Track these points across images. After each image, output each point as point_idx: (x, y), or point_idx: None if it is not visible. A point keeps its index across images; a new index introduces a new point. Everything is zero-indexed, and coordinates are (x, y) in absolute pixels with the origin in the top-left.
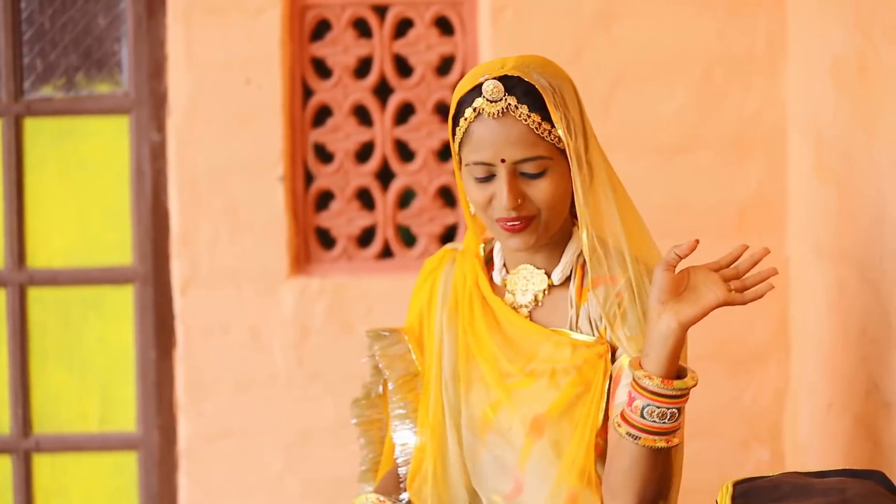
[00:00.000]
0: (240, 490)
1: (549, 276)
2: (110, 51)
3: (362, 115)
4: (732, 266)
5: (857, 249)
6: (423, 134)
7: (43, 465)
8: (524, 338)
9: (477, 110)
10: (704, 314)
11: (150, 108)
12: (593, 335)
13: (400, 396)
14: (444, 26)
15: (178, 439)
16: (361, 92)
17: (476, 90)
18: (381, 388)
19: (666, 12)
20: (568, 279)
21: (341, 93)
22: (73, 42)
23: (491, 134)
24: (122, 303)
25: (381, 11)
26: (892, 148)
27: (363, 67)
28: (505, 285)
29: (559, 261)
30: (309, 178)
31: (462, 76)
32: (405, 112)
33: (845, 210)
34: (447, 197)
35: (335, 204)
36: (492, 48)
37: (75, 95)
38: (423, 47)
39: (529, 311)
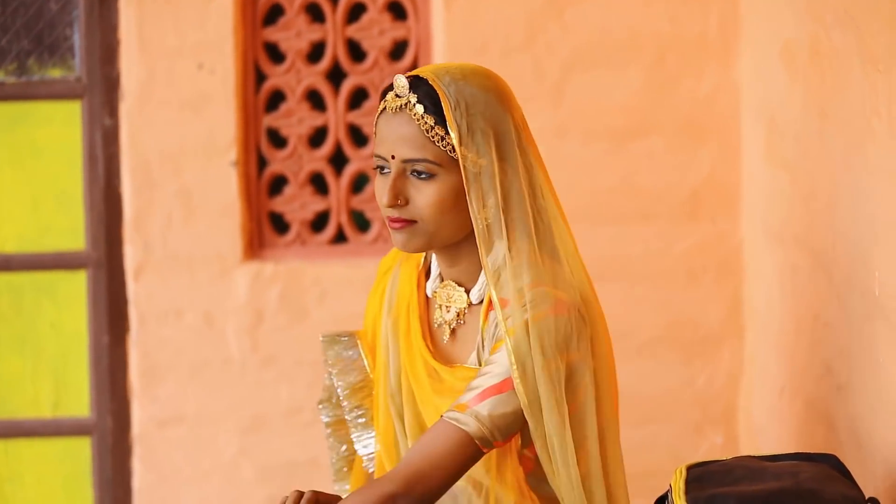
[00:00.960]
0: (194, 475)
1: (468, 294)
2: (62, 35)
3: (315, 99)
4: None
5: (810, 233)
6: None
7: None
8: (439, 370)
9: (384, 103)
10: None
11: (103, 93)
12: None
13: (353, 404)
14: (396, 11)
15: (131, 424)
16: (314, 76)
17: (391, 85)
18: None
19: None
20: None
21: (294, 77)
22: (24, 27)
23: (388, 128)
24: (75, 288)
25: None
26: (844, 132)
27: (316, 52)
28: (435, 298)
29: (477, 279)
30: (262, 162)
31: (415, 61)
32: (358, 97)
33: (798, 194)
34: None
35: (288, 189)
36: (445, 33)
37: (27, 80)
38: (375, 32)
39: (453, 329)
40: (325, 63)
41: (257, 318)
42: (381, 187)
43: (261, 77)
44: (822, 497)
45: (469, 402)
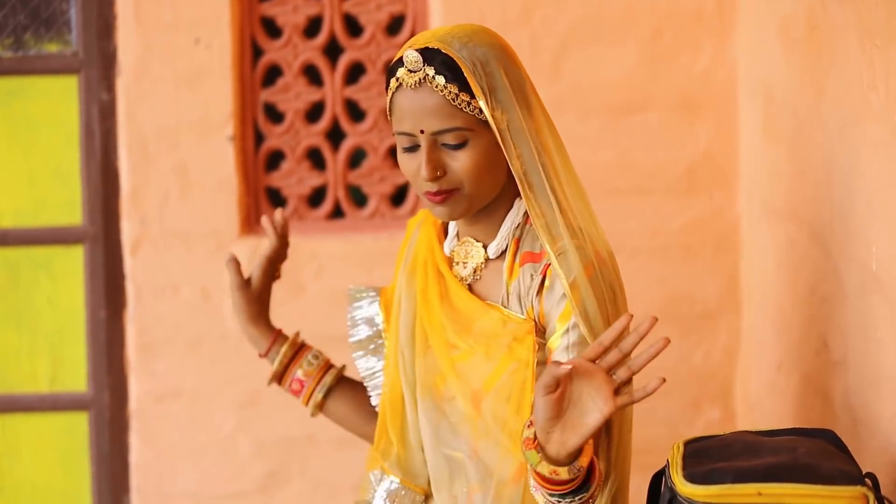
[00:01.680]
0: (191, 450)
1: (485, 249)
2: (59, 10)
3: (312, 74)
4: (617, 349)
5: (807, 208)
6: (374, 93)
7: None
8: (466, 309)
9: (399, 80)
10: (591, 437)
11: (100, 67)
12: (522, 313)
13: (367, 360)
14: None
15: (128, 399)
16: (311, 51)
17: (400, 60)
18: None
19: None
20: (504, 252)
21: (291, 52)
22: (21, 1)
23: (410, 104)
24: (72, 263)
25: None
26: (840, 107)
27: (313, 27)
28: (452, 256)
29: (496, 234)
30: (259, 137)
31: (412, 35)
32: (355, 71)
33: (795, 169)
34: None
35: (285, 164)
36: (442, 7)
37: (24, 55)
38: (372, 6)
39: (469, 285)
40: (322, 38)
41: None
42: (411, 164)
43: (257, 52)
44: (819, 472)
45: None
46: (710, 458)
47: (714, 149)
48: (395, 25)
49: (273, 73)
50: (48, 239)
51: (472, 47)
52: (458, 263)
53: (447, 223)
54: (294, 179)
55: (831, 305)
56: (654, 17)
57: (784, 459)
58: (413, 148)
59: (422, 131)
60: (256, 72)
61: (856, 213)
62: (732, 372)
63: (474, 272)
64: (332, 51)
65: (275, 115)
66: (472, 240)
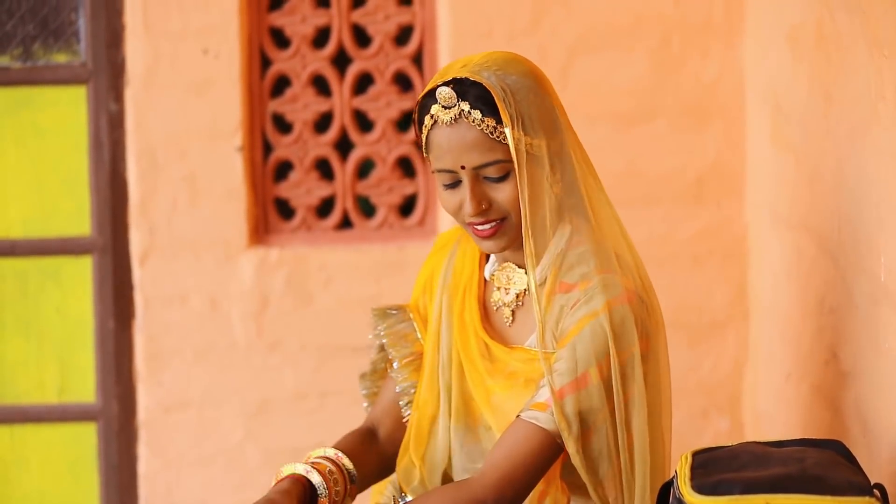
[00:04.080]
0: (199, 460)
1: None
2: (67, 20)
3: (321, 85)
4: None
5: (815, 218)
6: (382, 104)
7: (2, 435)
8: (495, 350)
9: (433, 117)
10: None
11: (108, 77)
12: (554, 342)
13: (405, 376)
14: None
15: (137, 409)
16: (320, 62)
17: (432, 95)
18: (385, 365)
19: None
20: (546, 280)
21: (299, 63)
22: (29, 11)
23: (448, 141)
24: (81, 273)
25: None
26: (849, 116)
27: (321, 37)
28: (493, 281)
29: (540, 261)
30: (267, 148)
31: (420, 46)
32: (363, 82)
33: (803, 178)
34: (406, 167)
35: (294, 174)
36: (450, 17)
37: (32, 65)
38: (381, 17)
39: (513, 310)
40: (330, 48)
41: (263, 304)
42: (453, 199)
43: (266, 62)
44: (828, 483)
45: (548, 401)
46: (718, 468)
47: (722, 158)
48: (403, 36)
49: (281, 84)
50: (57, 249)
51: (502, 76)
52: (499, 289)
53: None
54: (302, 190)
55: (840, 315)
56: (663, 26)
57: (792, 470)
58: (455, 184)
59: (463, 167)
60: (265, 82)
61: (865, 223)
62: (741, 382)
63: (517, 298)
64: (341, 61)
65: (283, 125)
66: (514, 266)
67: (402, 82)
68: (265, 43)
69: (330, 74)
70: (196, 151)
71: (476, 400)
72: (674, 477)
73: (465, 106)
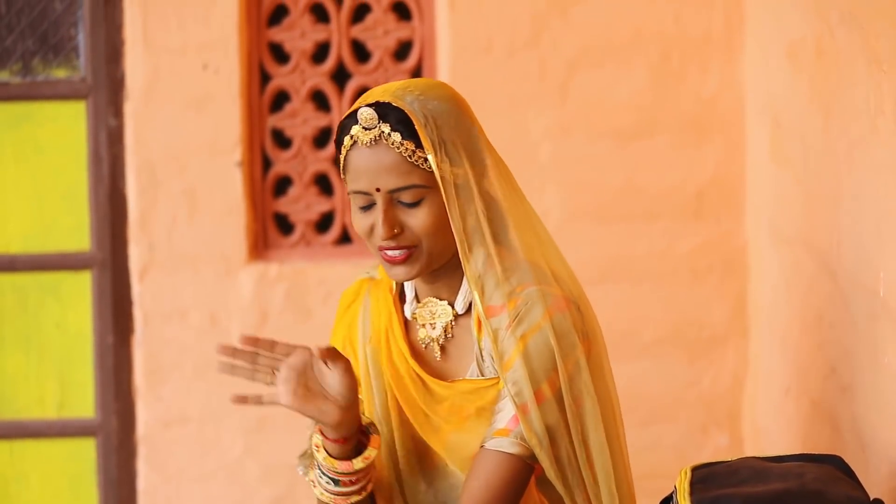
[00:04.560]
0: (199, 475)
1: (452, 306)
2: (67, 35)
3: (320, 100)
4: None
5: (814, 233)
6: None
7: (1, 451)
8: (433, 386)
9: (353, 138)
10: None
11: (107, 92)
12: (494, 368)
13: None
14: (401, 11)
15: (136, 425)
16: (319, 77)
17: (353, 116)
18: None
19: None
20: (471, 307)
21: (299, 78)
22: (29, 27)
23: (366, 162)
24: (80, 288)
25: None
26: (848, 131)
27: (321, 52)
28: (416, 319)
29: (460, 289)
30: (267, 163)
31: (420, 61)
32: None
33: (803, 193)
34: None
35: (293, 189)
36: (450, 33)
37: (32, 80)
38: (380, 32)
39: (442, 345)
40: (329, 63)
41: (262, 319)
42: (365, 222)
43: (265, 77)
44: (827, 498)
45: (508, 426)
46: (717, 484)
47: (722, 173)
48: (402, 51)
49: (281, 99)
50: (56, 264)
51: (424, 101)
52: (424, 326)
53: (402, 288)
54: (302, 205)
55: (839, 331)
56: (662, 41)
57: (792, 485)
58: (369, 207)
59: (378, 189)
60: (264, 97)
61: (864, 238)
62: (740, 397)
63: (444, 332)
64: (340, 76)
65: (282, 140)
66: (435, 299)
67: None
68: (265, 58)
69: (329, 90)
70: (195, 166)
71: (427, 441)
72: (673, 492)
73: (386, 128)
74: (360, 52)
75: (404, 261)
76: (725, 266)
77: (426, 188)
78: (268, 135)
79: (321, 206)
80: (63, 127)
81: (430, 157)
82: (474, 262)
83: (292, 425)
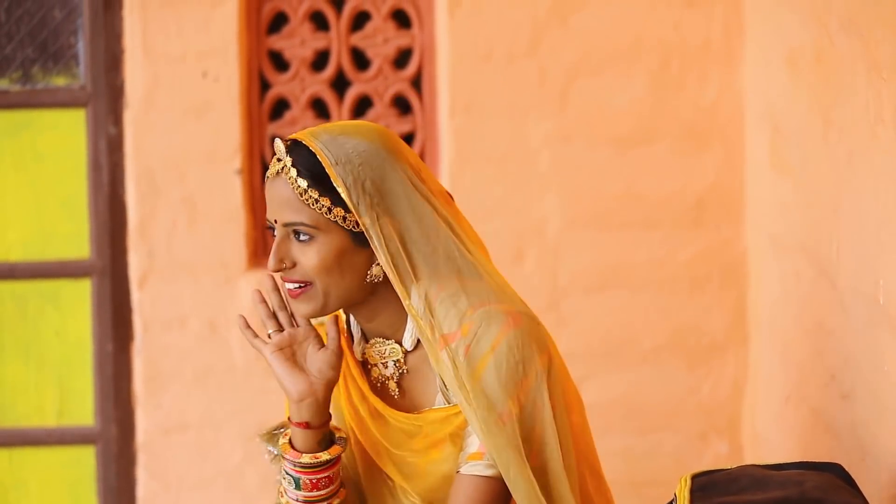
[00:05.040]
0: (199, 483)
1: (400, 344)
2: (66, 43)
3: (320, 107)
4: None
5: (814, 241)
6: None
7: (0, 459)
8: (396, 422)
9: (268, 167)
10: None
11: (107, 100)
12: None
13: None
14: (401, 19)
15: (136, 432)
16: (319, 85)
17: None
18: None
19: (622, 3)
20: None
21: (299, 86)
22: (29, 35)
23: (270, 192)
24: (80, 296)
25: (338, 4)
26: (848, 139)
27: (320, 60)
28: (368, 359)
29: (404, 326)
30: (266, 171)
31: (419, 69)
32: (363, 105)
33: (802, 201)
34: None
35: None
36: (449, 40)
37: (31, 88)
38: (380, 40)
39: (398, 381)
40: (329, 71)
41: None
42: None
43: (265, 85)
44: None
45: (481, 449)
46: (717, 492)
47: (721, 180)
48: (402, 59)
49: (280, 107)
50: (55, 272)
51: (341, 140)
52: (375, 365)
53: (350, 328)
54: None
55: (839, 338)
56: (662, 49)
57: (792, 493)
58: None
59: (276, 220)
60: (264, 105)
61: (863, 246)
62: (740, 405)
63: (397, 368)
64: (340, 84)
65: None
66: (381, 340)
67: (401, 105)
68: (264, 66)
69: (329, 97)
70: (195, 174)
71: (390, 475)
72: (673, 500)
73: (288, 161)
74: (360, 60)
75: (297, 296)
76: (725, 273)
77: (314, 228)
78: (267, 143)
79: None
80: (63, 135)
81: (345, 197)
82: (415, 299)
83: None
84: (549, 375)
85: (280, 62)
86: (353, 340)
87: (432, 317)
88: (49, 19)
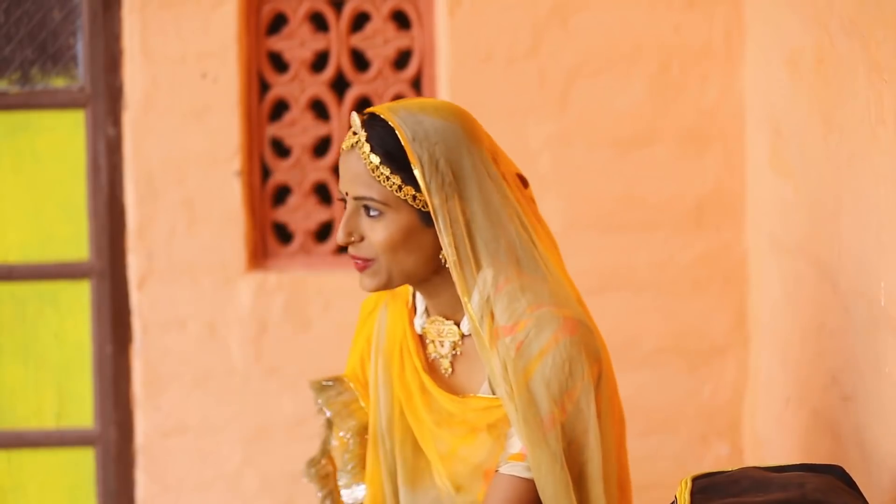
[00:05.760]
0: (198, 485)
1: (458, 326)
2: (66, 45)
3: (319, 109)
4: None
5: (815, 243)
6: None
7: None
8: (443, 401)
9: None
10: None
11: (106, 102)
12: (504, 387)
13: (354, 452)
14: (401, 20)
15: (135, 435)
16: (318, 86)
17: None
18: (334, 441)
19: (622, 5)
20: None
21: (298, 87)
22: (28, 36)
23: (343, 166)
24: (79, 298)
25: (337, 5)
26: (848, 141)
27: (320, 61)
28: (426, 335)
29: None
30: (266, 172)
31: (419, 70)
32: (362, 106)
33: (803, 203)
34: None
35: (292, 198)
36: (449, 42)
37: (30, 89)
38: (380, 41)
39: (451, 362)
40: (328, 72)
41: (261, 328)
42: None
43: (264, 86)
44: None
45: (523, 450)
46: (718, 494)
47: (722, 182)
48: (402, 60)
49: (280, 108)
50: (54, 274)
51: (420, 118)
52: (432, 342)
53: (414, 301)
54: (301, 214)
55: (840, 340)
56: (662, 51)
57: (793, 496)
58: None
59: (347, 193)
60: (263, 106)
61: (864, 248)
62: (740, 407)
63: (453, 348)
64: (339, 85)
65: (282, 149)
66: (441, 319)
67: None
68: (264, 67)
69: (329, 98)
70: (194, 176)
71: (427, 458)
72: (673, 502)
73: (363, 136)
74: (360, 61)
75: (361, 270)
76: (726, 276)
77: (384, 205)
78: (267, 144)
79: (320, 215)
80: (62, 136)
81: (418, 176)
82: (476, 287)
83: (291, 436)
84: (597, 386)
85: (280, 63)
86: (415, 313)
87: (489, 307)
88: (48, 20)
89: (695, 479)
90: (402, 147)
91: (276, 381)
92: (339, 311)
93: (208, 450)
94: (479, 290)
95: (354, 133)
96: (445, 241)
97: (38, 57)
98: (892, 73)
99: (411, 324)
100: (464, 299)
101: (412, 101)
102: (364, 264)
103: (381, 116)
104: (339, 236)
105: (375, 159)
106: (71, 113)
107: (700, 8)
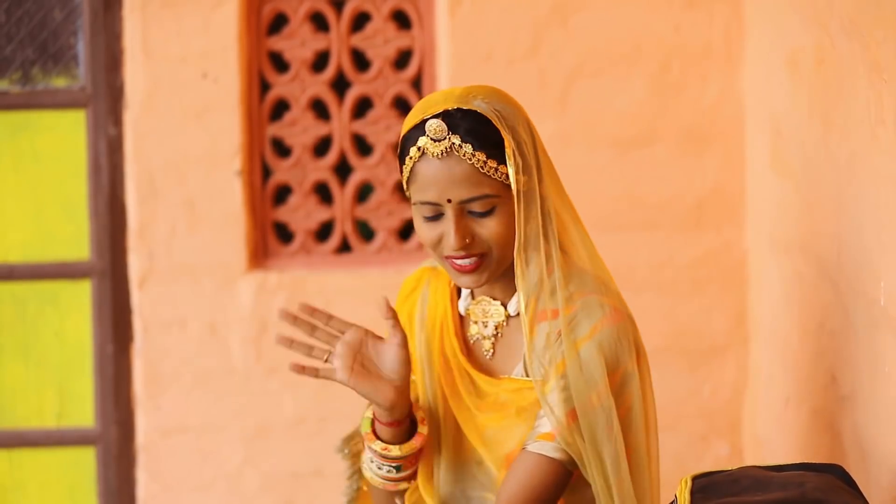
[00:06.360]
0: (198, 484)
1: (505, 307)
2: (66, 44)
3: (320, 109)
4: None
5: (815, 242)
6: (381, 128)
7: (0, 460)
8: (480, 382)
9: (421, 149)
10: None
11: (107, 101)
12: (541, 370)
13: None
14: (401, 20)
15: (135, 434)
16: (319, 86)
17: (420, 127)
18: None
19: (622, 5)
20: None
21: (299, 87)
22: (28, 35)
23: (435, 174)
24: (80, 297)
25: (338, 5)
26: (848, 141)
27: (320, 61)
28: (469, 315)
29: (514, 291)
30: (266, 172)
31: (420, 70)
32: (363, 106)
33: (803, 203)
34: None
35: (293, 198)
36: (450, 42)
37: (31, 89)
38: (380, 41)
39: (493, 343)
40: (329, 72)
41: (261, 328)
42: (433, 232)
43: (265, 86)
44: None
45: (553, 431)
46: (718, 493)
47: (722, 182)
48: (402, 60)
49: (280, 108)
50: (55, 273)
51: (491, 103)
52: (476, 322)
53: None
54: (301, 214)
55: (840, 340)
56: (662, 51)
57: (792, 494)
58: (436, 217)
59: (449, 200)
60: (264, 106)
61: (864, 248)
62: (740, 406)
63: (496, 329)
64: (340, 85)
65: (282, 149)
66: (488, 298)
67: (402, 106)
68: (264, 67)
69: (329, 98)
70: (195, 176)
71: (466, 435)
72: (673, 501)
73: (457, 139)
74: (360, 61)
75: (474, 269)
76: (726, 276)
77: (497, 197)
78: (267, 143)
79: (321, 214)
80: (62, 136)
81: (510, 164)
82: (532, 268)
83: (291, 436)
84: (637, 375)
85: (280, 63)
86: (458, 293)
87: (541, 289)
88: (49, 20)
89: (695, 479)
90: (492, 135)
91: (277, 381)
92: (339, 310)
93: (209, 449)
94: (535, 270)
95: (436, 139)
96: (522, 221)
97: (38, 57)
98: (892, 73)
99: (453, 303)
100: (518, 282)
101: (472, 90)
102: (476, 263)
103: (459, 111)
104: (453, 245)
105: (482, 155)
106: (72, 113)
107: (700, 8)
